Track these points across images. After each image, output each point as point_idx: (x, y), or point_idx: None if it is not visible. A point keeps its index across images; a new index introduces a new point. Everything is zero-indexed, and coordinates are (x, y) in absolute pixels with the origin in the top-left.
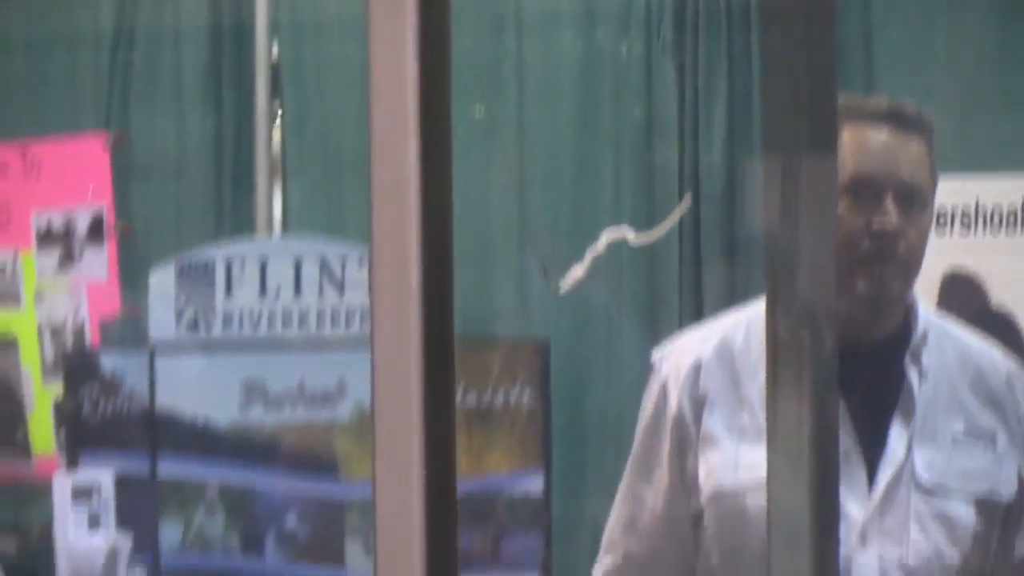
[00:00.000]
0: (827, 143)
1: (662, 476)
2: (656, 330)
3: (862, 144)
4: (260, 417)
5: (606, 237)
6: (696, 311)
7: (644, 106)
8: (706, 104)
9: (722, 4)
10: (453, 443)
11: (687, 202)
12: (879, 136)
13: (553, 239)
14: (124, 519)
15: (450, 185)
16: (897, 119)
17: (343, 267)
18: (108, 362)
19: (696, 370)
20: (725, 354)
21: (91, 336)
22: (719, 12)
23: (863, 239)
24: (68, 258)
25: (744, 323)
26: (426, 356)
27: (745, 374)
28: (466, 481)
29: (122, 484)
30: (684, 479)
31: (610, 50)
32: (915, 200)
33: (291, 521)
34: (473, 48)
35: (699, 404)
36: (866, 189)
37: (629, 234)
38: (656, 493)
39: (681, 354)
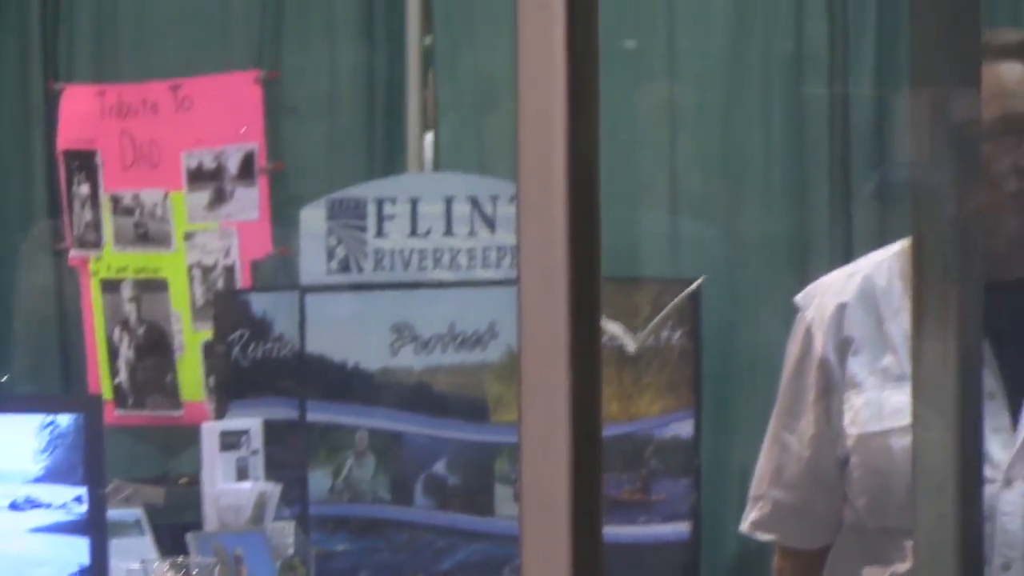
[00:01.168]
0: (972, 77)
1: (808, 422)
2: (805, 270)
3: (998, 83)
4: (410, 360)
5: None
6: (846, 250)
7: (794, 40)
8: (856, 39)
9: None
10: (599, 385)
11: (682, 299)
12: (1014, 72)
13: (704, 175)
14: (273, 466)
15: (597, 121)
16: None
17: (495, 205)
18: (258, 304)
19: (840, 312)
20: (868, 296)
21: (242, 277)
22: None
23: (1009, 178)
24: (219, 198)
25: (887, 264)
26: (573, 296)
27: (888, 316)
28: (616, 424)
29: (271, 430)
30: (830, 424)
31: None
32: None
33: (440, 467)
34: None
35: (844, 347)
36: (1009, 128)
37: (628, 342)
38: (802, 440)
39: (824, 296)
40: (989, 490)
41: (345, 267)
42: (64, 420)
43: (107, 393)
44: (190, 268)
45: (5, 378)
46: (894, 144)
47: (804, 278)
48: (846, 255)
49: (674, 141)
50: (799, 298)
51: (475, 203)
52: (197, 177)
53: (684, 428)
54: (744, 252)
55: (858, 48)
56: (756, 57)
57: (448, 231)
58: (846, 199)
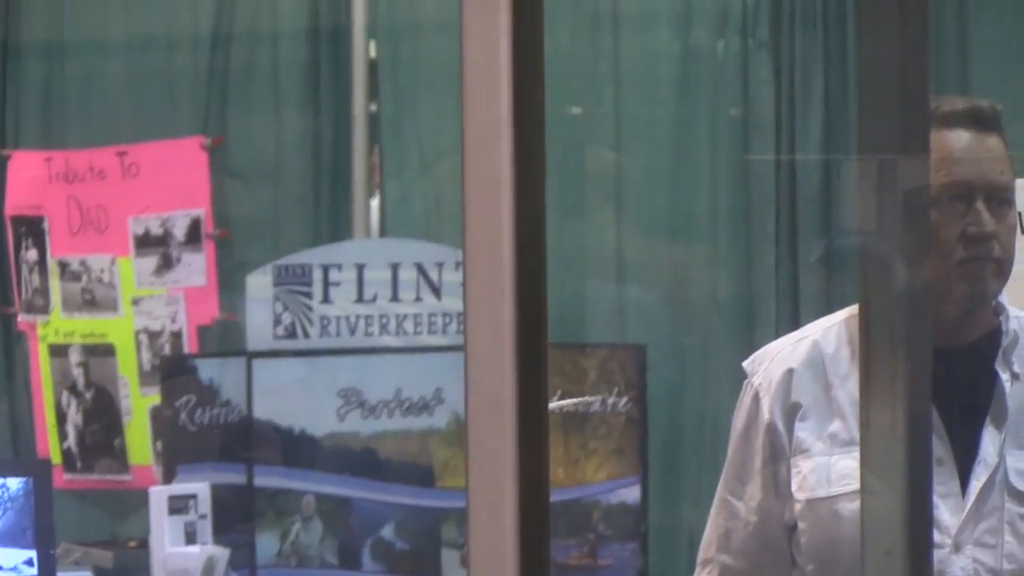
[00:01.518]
0: (920, 144)
1: (756, 487)
2: (752, 335)
3: (946, 150)
4: (357, 425)
5: None
6: (792, 315)
7: (740, 106)
8: (802, 103)
9: (818, 4)
10: (546, 450)
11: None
12: (961, 139)
13: (650, 238)
14: (221, 530)
15: (544, 188)
16: (976, 119)
17: (440, 271)
18: (205, 370)
19: (788, 378)
20: (816, 362)
21: (189, 343)
22: (815, 12)
23: (958, 245)
24: (166, 263)
25: (835, 330)
26: (520, 362)
27: (836, 382)
28: (562, 489)
29: (219, 494)
30: (778, 490)
31: (707, 49)
32: (1003, 199)
33: (388, 532)
34: (570, 47)
35: (792, 413)
36: (956, 195)
37: None
38: (750, 505)
39: (772, 362)
40: (938, 555)
41: (292, 333)
42: (14, 483)
43: (56, 457)
44: (137, 333)
45: None
46: (840, 209)
47: (750, 343)
48: (793, 320)
49: (620, 206)
50: (747, 364)
51: (421, 269)
52: (144, 243)
53: (631, 493)
54: (690, 317)
55: (805, 114)
56: (702, 122)
57: (394, 297)
58: (792, 264)
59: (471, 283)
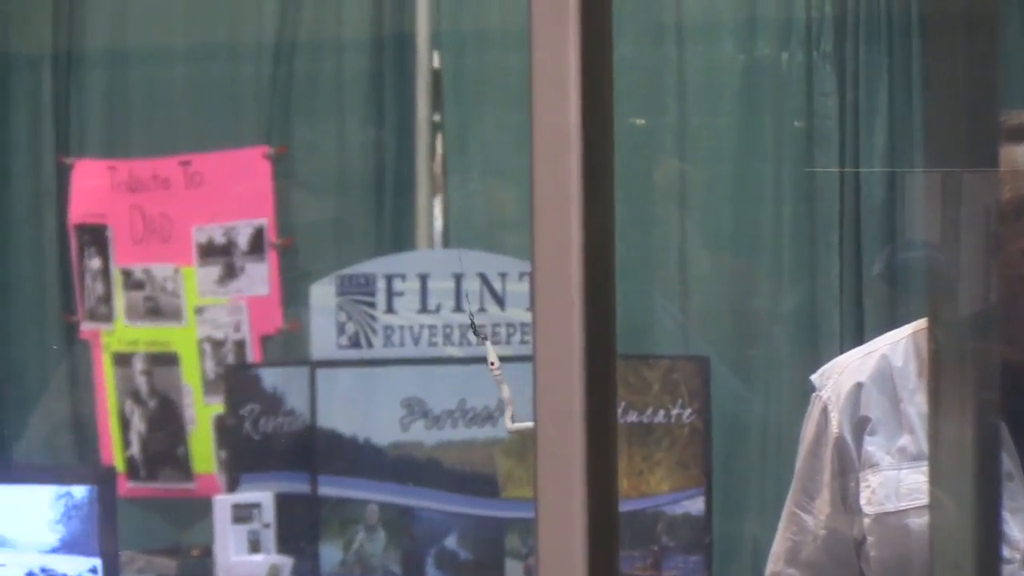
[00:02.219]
0: (989, 157)
1: (824, 501)
2: (816, 347)
3: (1014, 163)
4: (421, 435)
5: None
6: (856, 327)
7: (805, 117)
8: (866, 116)
9: (883, 15)
10: (615, 460)
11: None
12: None
13: (715, 249)
14: (285, 539)
15: (612, 198)
16: None
17: (504, 281)
18: (269, 379)
19: (857, 392)
20: (885, 376)
21: (252, 352)
22: (880, 23)
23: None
24: (229, 273)
25: (903, 343)
26: (588, 372)
27: (905, 396)
28: (627, 501)
29: (283, 503)
30: (846, 503)
31: (771, 61)
32: None
33: (451, 542)
34: (634, 57)
35: (860, 426)
36: (1023, 211)
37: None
38: (818, 519)
39: (841, 376)
40: (1007, 570)
41: (355, 343)
42: (78, 492)
43: (120, 465)
44: (201, 342)
45: None
46: (905, 222)
47: (814, 355)
48: (856, 332)
49: (685, 218)
50: (815, 377)
51: (484, 280)
52: (208, 252)
53: (695, 505)
54: (754, 328)
55: (869, 126)
56: (767, 134)
57: (458, 307)
58: (856, 277)
59: (540, 294)
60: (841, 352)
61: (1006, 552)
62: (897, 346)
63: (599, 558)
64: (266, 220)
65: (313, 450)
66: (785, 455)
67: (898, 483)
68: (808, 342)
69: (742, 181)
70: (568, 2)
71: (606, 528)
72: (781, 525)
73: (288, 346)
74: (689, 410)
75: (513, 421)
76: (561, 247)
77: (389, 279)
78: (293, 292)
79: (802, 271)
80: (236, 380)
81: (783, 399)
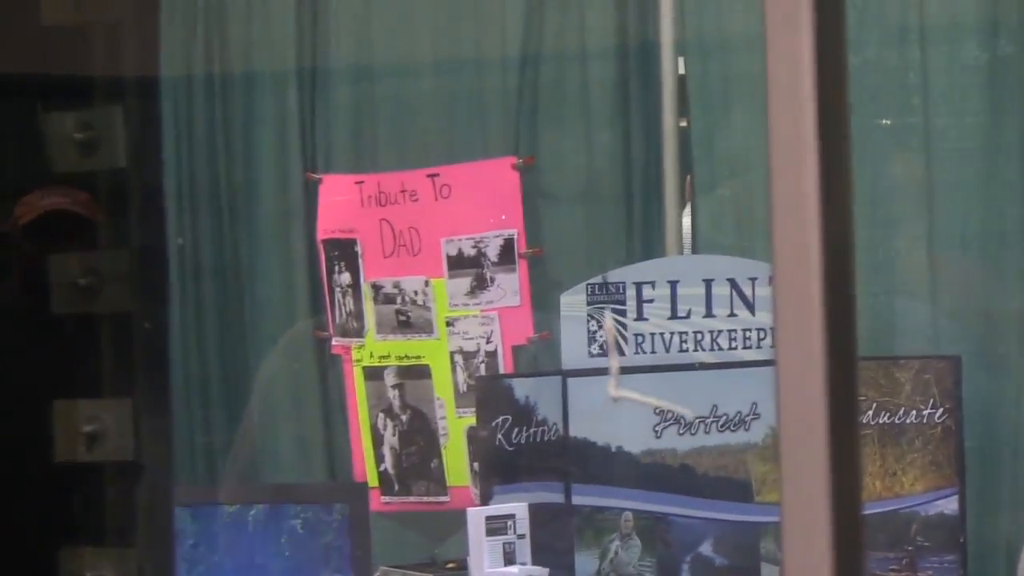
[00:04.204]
0: None
1: None
2: None
3: None
4: (673, 442)
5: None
6: None
7: None
8: None
9: None
10: (859, 464)
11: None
12: None
13: (962, 249)
14: (539, 550)
15: (851, 199)
16: None
17: (753, 286)
18: (520, 389)
19: None
20: None
21: (504, 363)
22: None
23: None
24: (480, 284)
25: None
26: (831, 376)
27: None
28: (880, 502)
29: (537, 514)
30: None
31: (1015, 59)
32: None
33: (707, 548)
34: (877, 59)
35: None
36: None
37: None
38: None
39: None
40: None
41: (606, 351)
42: (332, 507)
43: (373, 480)
44: (452, 354)
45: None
46: None
47: None
48: None
49: (931, 217)
50: None
51: (734, 285)
52: (457, 264)
53: (949, 505)
54: (1004, 327)
55: None
56: (1012, 134)
57: (708, 313)
58: None
59: (780, 298)
60: None
61: None
62: None
63: (845, 563)
64: (515, 231)
65: (566, 460)
66: None
67: None
68: None
69: (988, 180)
70: (802, 10)
71: (851, 531)
72: None
73: (538, 356)
74: (941, 410)
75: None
76: (801, 251)
77: (639, 287)
78: (543, 302)
79: None
80: (488, 391)
81: None
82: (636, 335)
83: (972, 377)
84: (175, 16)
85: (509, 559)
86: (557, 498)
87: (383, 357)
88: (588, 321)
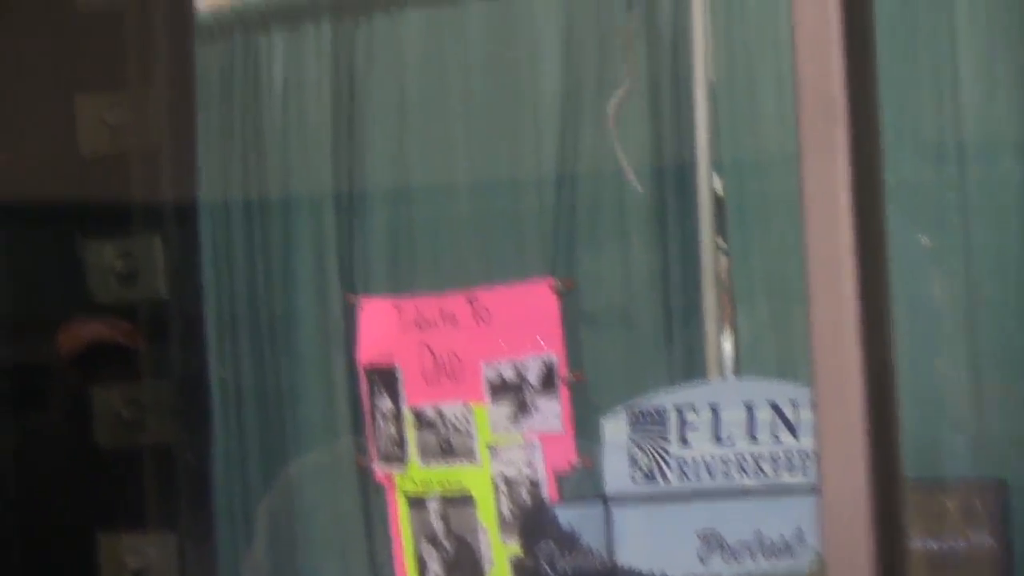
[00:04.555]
0: None
1: None
2: None
3: None
4: (719, 568)
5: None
6: None
7: None
8: None
9: None
10: None
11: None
12: None
13: (1007, 369)
14: None
15: (890, 325)
16: None
17: (796, 410)
18: (564, 517)
19: None
20: None
21: (547, 490)
22: None
23: None
24: (521, 409)
25: None
26: (875, 501)
27: None
28: None
29: None
30: None
31: None
32: None
33: None
34: (913, 177)
35: None
36: None
37: None
38: None
39: None
40: None
41: (650, 476)
42: None
43: None
44: (495, 481)
45: None
46: None
47: None
48: None
49: (972, 335)
50: None
51: (776, 408)
52: (499, 389)
53: None
54: None
55: None
56: None
57: (751, 438)
58: None
59: (823, 422)
60: None
61: None
62: None
63: None
64: (555, 355)
65: None
66: None
67: None
68: None
69: None
70: (836, 130)
71: None
72: None
73: (581, 482)
74: (987, 534)
75: None
76: (841, 375)
77: (680, 411)
78: (584, 427)
79: None
80: (531, 519)
81: None
82: (679, 460)
83: (1020, 502)
84: (211, 142)
85: None
86: None
87: (426, 484)
88: (630, 446)
